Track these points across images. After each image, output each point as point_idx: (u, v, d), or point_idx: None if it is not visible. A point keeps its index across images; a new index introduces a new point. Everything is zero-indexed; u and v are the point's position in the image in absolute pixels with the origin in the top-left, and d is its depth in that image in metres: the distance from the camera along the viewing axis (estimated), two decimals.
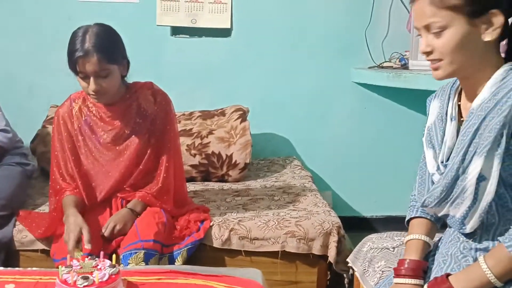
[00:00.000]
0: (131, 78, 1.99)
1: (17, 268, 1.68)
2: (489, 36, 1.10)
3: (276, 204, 2.29)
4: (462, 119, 1.22)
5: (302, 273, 2.08)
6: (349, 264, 1.77)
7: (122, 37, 1.88)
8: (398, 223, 3.19)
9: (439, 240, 1.35)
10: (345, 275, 2.02)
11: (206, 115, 2.81)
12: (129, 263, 1.73)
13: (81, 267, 1.43)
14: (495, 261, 1.08)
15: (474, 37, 1.10)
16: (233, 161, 2.64)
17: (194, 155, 2.64)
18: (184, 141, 2.65)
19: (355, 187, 3.23)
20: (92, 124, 1.94)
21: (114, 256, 1.50)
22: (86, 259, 1.49)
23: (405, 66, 2.88)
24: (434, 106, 1.32)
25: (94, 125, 1.94)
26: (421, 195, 1.29)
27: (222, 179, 2.68)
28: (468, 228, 1.15)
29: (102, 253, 1.52)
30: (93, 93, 1.79)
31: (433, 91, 2.68)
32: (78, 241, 1.73)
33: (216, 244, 2.04)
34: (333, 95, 3.08)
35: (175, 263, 1.88)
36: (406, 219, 1.39)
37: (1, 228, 2.02)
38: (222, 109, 2.85)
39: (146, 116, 1.95)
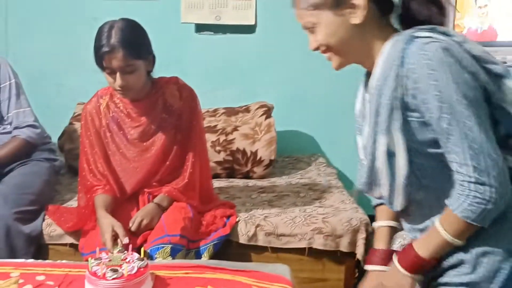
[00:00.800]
0: (155, 75, 1.99)
1: (47, 261, 1.70)
2: (356, 19, 1.11)
3: (302, 201, 2.27)
4: None
5: (329, 271, 2.06)
6: None
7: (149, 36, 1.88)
8: None
9: None
10: None
11: (231, 111, 2.80)
12: (156, 257, 1.73)
13: (110, 260, 1.44)
14: (448, 224, 1.08)
15: (344, 24, 1.13)
16: (258, 158, 2.62)
17: (219, 152, 2.64)
18: (208, 137, 2.65)
19: None
20: (119, 120, 1.95)
21: (142, 249, 1.51)
22: (115, 251, 1.49)
23: None
24: (359, 91, 1.28)
25: (121, 121, 1.95)
26: None
27: (246, 176, 2.66)
28: (398, 206, 1.15)
29: (130, 246, 1.53)
30: (119, 88, 1.79)
31: None
32: (115, 238, 1.74)
33: (242, 240, 2.04)
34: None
35: (202, 258, 1.87)
36: (373, 205, 1.37)
37: (31, 222, 2.05)
38: (246, 105, 2.83)
39: (172, 111, 1.95)
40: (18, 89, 2.26)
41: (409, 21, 1.13)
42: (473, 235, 1.08)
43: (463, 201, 1.04)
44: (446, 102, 1.02)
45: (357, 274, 2.10)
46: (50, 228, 2.07)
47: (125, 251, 1.49)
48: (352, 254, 2.04)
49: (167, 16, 2.94)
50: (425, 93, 1.03)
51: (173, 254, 1.77)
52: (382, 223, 1.33)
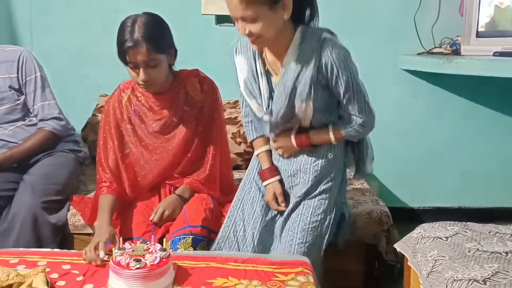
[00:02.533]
0: (177, 68, 2.01)
1: (73, 250, 1.74)
2: (286, 15, 1.52)
3: None
4: (272, 75, 1.67)
5: (349, 262, 2.06)
6: (398, 251, 1.73)
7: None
8: (448, 215, 3.11)
9: None
10: (396, 265, 1.98)
11: None
12: (177, 248, 1.76)
13: (134, 250, 1.46)
14: (335, 134, 1.70)
15: (277, 19, 1.51)
16: None
17: (239, 143, 2.65)
18: (229, 129, 2.66)
19: (402, 177, 3.15)
20: (141, 113, 1.97)
21: (164, 240, 1.53)
22: (138, 242, 1.52)
23: (456, 52, 2.79)
24: (240, 62, 1.72)
25: (143, 114, 1.97)
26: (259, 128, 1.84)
27: None
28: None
29: (153, 237, 1.55)
30: (142, 83, 1.81)
31: (488, 77, 2.57)
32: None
33: None
34: (379, 82, 2.98)
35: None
36: (249, 140, 1.91)
37: (57, 212, 2.10)
38: None
39: (194, 104, 1.97)
40: (43, 82, 2.30)
41: (297, 18, 1.58)
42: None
43: (351, 127, 1.68)
44: (351, 80, 1.60)
45: (377, 266, 2.10)
46: (75, 218, 2.11)
47: (148, 242, 1.52)
48: (373, 246, 2.04)
49: (187, 8, 2.95)
50: (337, 76, 1.57)
51: (195, 244, 1.79)
52: (262, 149, 1.86)
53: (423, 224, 1.68)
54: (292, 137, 1.73)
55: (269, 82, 1.68)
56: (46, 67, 2.44)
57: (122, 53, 1.77)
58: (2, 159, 2.17)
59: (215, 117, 2.01)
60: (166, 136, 1.97)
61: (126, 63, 1.80)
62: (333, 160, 1.75)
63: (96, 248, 1.62)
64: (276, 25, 1.52)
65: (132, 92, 1.98)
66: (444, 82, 2.99)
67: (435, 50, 2.89)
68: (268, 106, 1.68)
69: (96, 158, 1.98)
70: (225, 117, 2.71)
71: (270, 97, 1.68)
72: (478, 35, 2.64)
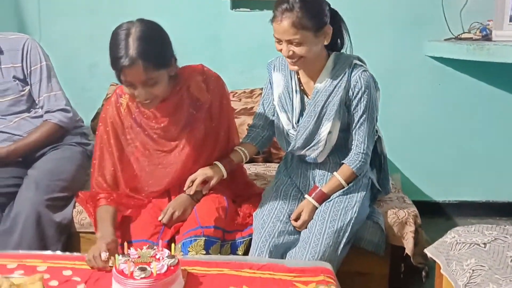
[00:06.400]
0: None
1: (76, 253, 1.63)
2: (326, 41, 1.73)
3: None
4: (305, 94, 1.84)
5: (373, 265, 1.92)
6: (429, 256, 1.59)
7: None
8: (474, 209, 3.01)
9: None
10: (424, 268, 1.84)
11: None
12: (188, 252, 1.64)
13: (139, 257, 1.34)
14: (343, 174, 1.81)
15: (318, 44, 1.71)
16: None
17: None
18: (244, 120, 2.53)
19: (426, 169, 3.01)
20: (142, 122, 1.79)
21: (173, 245, 1.41)
22: (144, 247, 1.40)
23: (486, 37, 2.64)
24: (277, 77, 1.87)
25: (144, 123, 1.79)
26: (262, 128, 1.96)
27: None
28: (322, 159, 1.86)
29: (160, 241, 1.43)
30: (140, 101, 1.65)
31: None
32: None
33: None
34: (404, 70, 2.86)
35: (237, 252, 1.77)
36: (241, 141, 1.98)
37: (62, 210, 2.00)
38: None
39: (200, 106, 1.80)
40: (49, 71, 2.19)
41: (330, 46, 1.78)
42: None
43: (357, 162, 1.80)
44: (370, 106, 1.77)
45: (403, 269, 1.97)
46: (81, 216, 2.01)
47: (155, 246, 1.40)
48: (398, 247, 1.90)
49: None
50: (360, 98, 1.75)
51: (207, 247, 1.67)
52: (242, 149, 1.90)
53: (457, 228, 1.53)
54: (309, 197, 1.82)
55: (301, 100, 1.82)
56: (54, 56, 2.33)
57: (117, 70, 1.58)
58: (5, 153, 2.07)
59: (223, 116, 1.85)
60: (172, 143, 1.80)
61: (121, 82, 1.62)
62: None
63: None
64: (317, 50, 1.71)
65: (130, 98, 1.77)
66: (473, 69, 2.83)
67: (463, 36, 2.73)
68: (297, 121, 1.82)
69: (91, 169, 1.84)
70: (241, 107, 2.60)
71: (301, 114, 1.82)
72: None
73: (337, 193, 1.81)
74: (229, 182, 1.91)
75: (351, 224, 1.74)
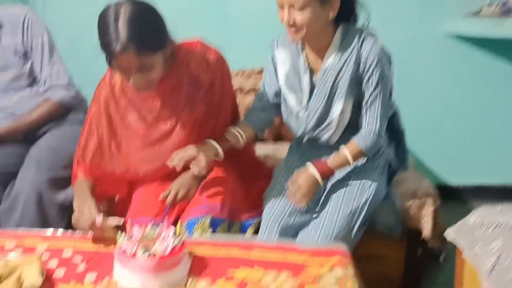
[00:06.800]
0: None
1: (78, 232, 1.55)
2: (332, 14, 1.59)
3: None
4: (314, 72, 1.71)
5: (389, 248, 1.84)
6: (449, 239, 1.51)
7: None
8: (492, 194, 2.89)
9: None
10: (442, 252, 1.75)
11: None
12: (194, 232, 1.55)
13: (143, 236, 1.27)
14: (350, 150, 1.67)
15: (323, 15, 1.57)
16: None
17: None
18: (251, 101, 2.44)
19: (441, 152, 2.91)
20: (137, 103, 1.69)
21: (178, 225, 1.33)
22: (149, 225, 1.32)
23: (508, 12, 2.50)
24: (282, 55, 1.74)
25: (140, 104, 1.69)
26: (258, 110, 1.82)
27: None
28: (334, 140, 1.74)
29: (166, 218, 1.35)
30: (135, 87, 1.55)
31: None
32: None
33: None
34: (420, 49, 2.75)
35: (246, 234, 1.69)
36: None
37: (64, 189, 1.94)
38: None
39: (200, 84, 1.68)
40: (51, 46, 2.12)
41: (338, 19, 1.63)
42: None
43: (368, 142, 1.67)
44: (382, 80, 1.63)
45: (419, 253, 1.88)
46: None
47: (160, 226, 1.32)
48: (415, 230, 1.82)
49: None
50: (372, 71, 1.62)
51: (214, 227, 1.58)
52: (237, 130, 1.75)
53: (481, 208, 1.44)
54: (310, 164, 1.68)
55: (310, 79, 1.70)
56: (59, 37, 2.25)
57: (109, 56, 1.48)
58: (5, 131, 2.01)
59: (225, 93, 1.74)
60: (169, 125, 1.69)
61: (113, 67, 1.52)
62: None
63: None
64: (321, 22, 1.57)
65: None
66: (493, 47, 2.71)
67: (483, 11, 2.61)
68: (307, 102, 1.70)
69: (77, 145, 1.77)
70: (250, 87, 2.52)
71: (310, 94, 1.70)
72: None
73: (353, 173, 1.72)
74: (237, 162, 1.82)
75: (367, 205, 1.66)
